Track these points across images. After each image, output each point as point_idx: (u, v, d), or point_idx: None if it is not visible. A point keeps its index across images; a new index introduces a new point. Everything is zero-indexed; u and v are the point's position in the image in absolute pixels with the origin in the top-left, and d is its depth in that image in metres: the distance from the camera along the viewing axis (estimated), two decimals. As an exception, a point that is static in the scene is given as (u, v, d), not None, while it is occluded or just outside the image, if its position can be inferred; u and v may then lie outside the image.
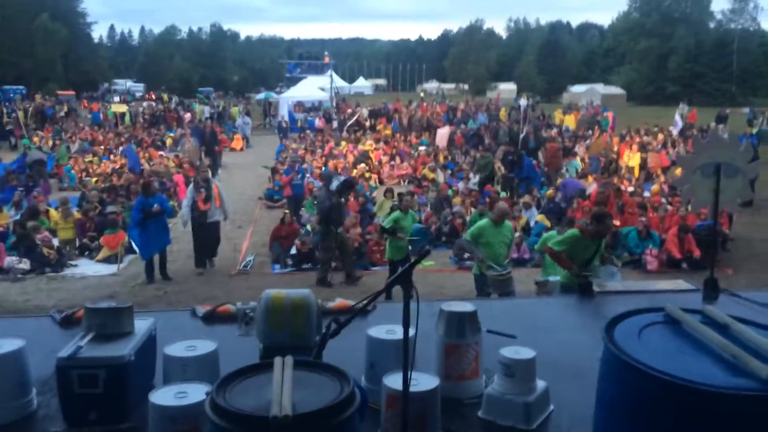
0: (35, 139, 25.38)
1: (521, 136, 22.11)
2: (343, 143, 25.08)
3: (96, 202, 13.87)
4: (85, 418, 2.65)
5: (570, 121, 31.32)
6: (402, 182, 19.02)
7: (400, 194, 9.72)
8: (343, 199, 10.60)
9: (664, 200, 13.88)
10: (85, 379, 2.62)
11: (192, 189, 10.84)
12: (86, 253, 11.89)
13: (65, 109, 38.71)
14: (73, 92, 52.80)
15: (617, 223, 11.38)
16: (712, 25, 68.77)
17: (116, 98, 50.26)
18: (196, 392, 2.32)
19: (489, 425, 2.77)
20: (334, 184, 10.29)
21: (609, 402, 2.20)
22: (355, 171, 18.79)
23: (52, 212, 12.86)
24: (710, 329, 2.19)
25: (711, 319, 2.31)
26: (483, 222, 8.53)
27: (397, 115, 32.39)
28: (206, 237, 11.01)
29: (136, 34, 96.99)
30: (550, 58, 71.88)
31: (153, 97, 52.18)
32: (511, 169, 17.01)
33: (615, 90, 60.02)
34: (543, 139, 22.50)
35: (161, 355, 2.88)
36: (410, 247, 9.57)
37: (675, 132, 27.06)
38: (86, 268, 11.24)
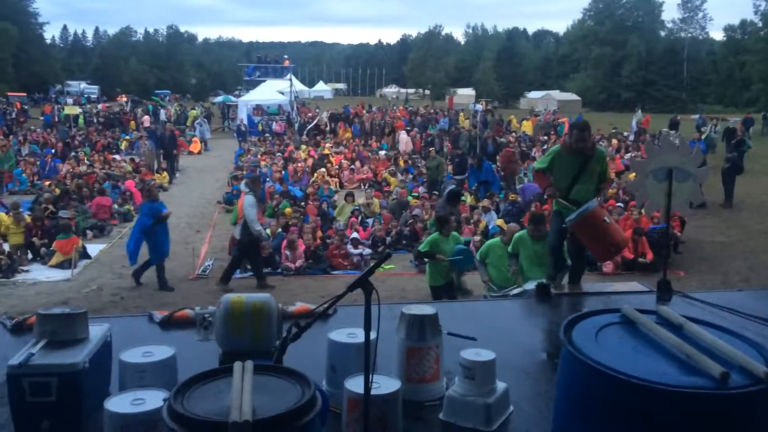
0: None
1: (479, 141, 22.44)
2: (303, 147, 24.99)
3: (50, 205, 13.53)
4: (38, 427, 2.57)
5: (527, 127, 31.87)
6: (362, 186, 19.02)
7: (441, 217, 8.69)
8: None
9: (619, 204, 14.18)
10: (37, 388, 2.55)
11: (253, 200, 9.78)
12: (38, 258, 11.56)
13: (18, 106, 37.52)
14: (24, 93, 51.34)
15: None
16: (663, 33, 70.84)
17: (69, 100, 49.06)
18: (153, 399, 2.28)
19: (450, 427, 2.78)
20: (444, 193, 10.04)
21: (568, 402, 2.24)
22: (315, 175, 18.73)
23: (3, 216, 12.47)
24: (665, 329, 2.24)
25: (665, 320, 2.37)
26: (493, 241, 8.23)
27: (357, 120, 32.43)
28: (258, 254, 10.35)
29: (90, 35, 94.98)
30: (508, 64, 72.89)
31: (125, 99, 50.34)
32: (460, 171, 17.25)
33: (570, 96, 61.25)
34: (501, 144, 22.81)
35: (117, 362, 2.82)
36: (452, 271, 8.39)
37: (631, 137, 27.99)
38: (38, 273, 10.93)
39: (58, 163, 20.93)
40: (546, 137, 27.20)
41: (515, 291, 6.83)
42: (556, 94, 60.52)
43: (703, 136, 24.89)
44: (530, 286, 6.07)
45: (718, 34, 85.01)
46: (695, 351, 2.06)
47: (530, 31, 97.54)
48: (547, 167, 5.84)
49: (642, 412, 1.92)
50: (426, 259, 8.61)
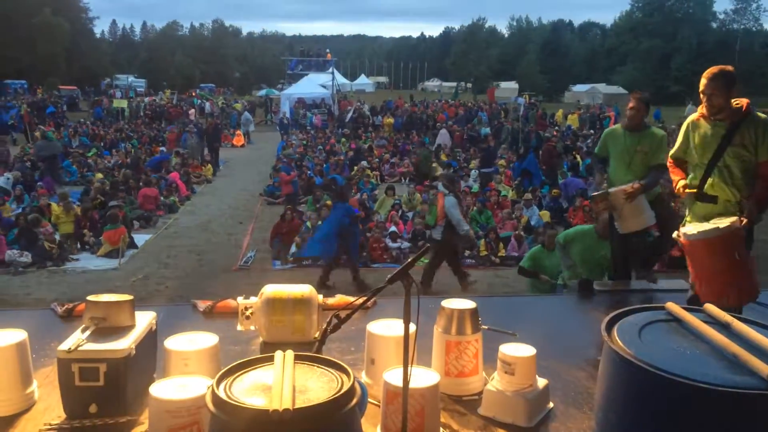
0: (36, 134, 25.35)
1: (521, 135, 22.30)
2: (344, 140, 25.12)
3: (99, 196, 13.94)
4: (86, 411, 2.65)
5: (573, 121, 31.42)
6: (403, 180, 19.04)
7: (546, 225, 7.88)
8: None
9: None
10: (85, 372, 2.62)
11: (455, 200, 9.26)
12: (87, 247, 11.90)
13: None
14: (75, 87, 52.75)
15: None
16: (714, 25, 68.96)
17: (118, 93, 50.25)
18: (196, 385, 2.32)
19: (489, 422, 2.77)
20: None
21: (610, 400, 2.20)
22: (354, 169, 18.81)
23: (54, 206, 12.88)
24: (711, 327, 2.19)
25: (712, 318, 2.31)
26: (586, 227, 7.08)
27: (398, 112, 32.44)
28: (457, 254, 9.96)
29: (138, 30, 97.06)
30: (552, 57, 71.95)
31: (195, 94, 50.60)
32: (486, 165, 17.19)
33: (617, 89, 60.07)
34: (544, 139, 22.61)
35: (162, 349, 2.88)
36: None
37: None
38: (87, 262, 11.26)
39: (106, 155, 21.54)
40: (592, 131, 26.79)
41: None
42: (602, 88, 59.46)
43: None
44: (615, 189, 4.96)
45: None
46: (743, 350, 2.01)
47: (576, 23, 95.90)
48: (681, 149, 4.13)
49: (686, 411, 1.89)
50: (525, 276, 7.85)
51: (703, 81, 3.82)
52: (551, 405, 2.89)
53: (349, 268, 10.04)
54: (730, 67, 3.87)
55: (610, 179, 5.19)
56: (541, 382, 2.84)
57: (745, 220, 3.69)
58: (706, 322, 2.25)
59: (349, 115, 30.82)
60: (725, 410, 1.85)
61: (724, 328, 2.22)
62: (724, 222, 3.62)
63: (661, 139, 5.06)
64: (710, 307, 2.39)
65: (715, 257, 3.63)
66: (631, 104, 5.17)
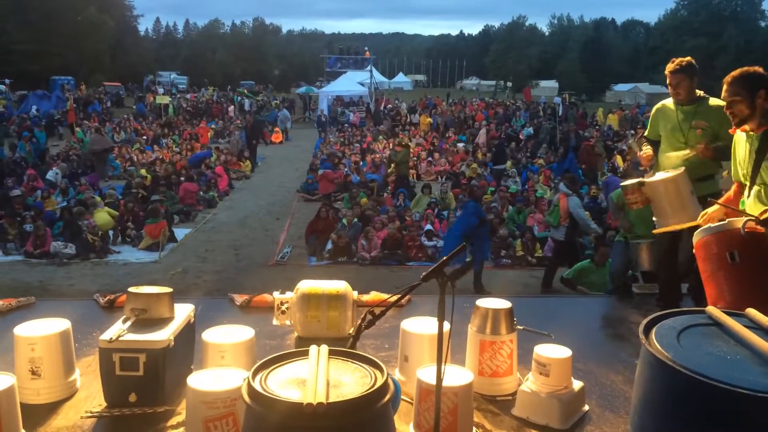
0: (77, 128, 25.90)
1: (558, 134, 22.10)
2: (381, 138, 25.15)
3: (141, 190, 14.25)
4: (126, 399, 2.72)
5: (613, 121, 30.95)
6: (439, 178, 18.98)
7: (598, 240, 7.68)
8: None
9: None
10: (126, 362, 2.69)
11: (579, 201, 9.24)
12: (128, 240, 12.15)
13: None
14: (119, 83, 53.79)
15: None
16: (763, 24, 66.98)
17: (161, 90, 51.09)
18: (233, 377, 2.37)
19: (522, 423, 2.76)
20: None
21: (647, 404, 2.17)
22: (391, 166, 18.81)
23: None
24: (753, 332, 2.14)
25: (754, 322, 2.26)
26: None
27: (435, 111, 32.37)
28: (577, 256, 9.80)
29: (180, 27, 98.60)
30: (594, 55, 70.69)
31: (236, 92, 50.42)
32: (500, 161, 17.01)
33: (660, 89, 58.77)
34: (583, 138, 22.34)
35: (200, 341, 2.94)
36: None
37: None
38: (129, 255, 11.50)
39: (148, 150, 21.98)
40: (632, 131, 26.34)
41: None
42: (645, 87, 58.25)
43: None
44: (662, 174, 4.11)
45: (825, 24, 79.38)
46: (786, 357, 1.96)
47: (619, 21, 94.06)
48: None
49: (725, 417, 1.85)
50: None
51: (723, 87, 3.28)
52: (587, 408, 2.86)
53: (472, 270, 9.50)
54: (755, 68, 3.26)
55: (659, 164, 4.36)
56: (577, 385, 2.81)
57: (747, 219, 2.97)
58: (747, 327, 2.20)
59: (386, 109, 30.85)
60: (766, 416, 1.80)
61: (766, 333, 2.16)
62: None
63: (721, 109, 3.74)
64: (752, 312, 2.34)
65: (702, 261, 3.11)
66: (668, 80, 4.34)
